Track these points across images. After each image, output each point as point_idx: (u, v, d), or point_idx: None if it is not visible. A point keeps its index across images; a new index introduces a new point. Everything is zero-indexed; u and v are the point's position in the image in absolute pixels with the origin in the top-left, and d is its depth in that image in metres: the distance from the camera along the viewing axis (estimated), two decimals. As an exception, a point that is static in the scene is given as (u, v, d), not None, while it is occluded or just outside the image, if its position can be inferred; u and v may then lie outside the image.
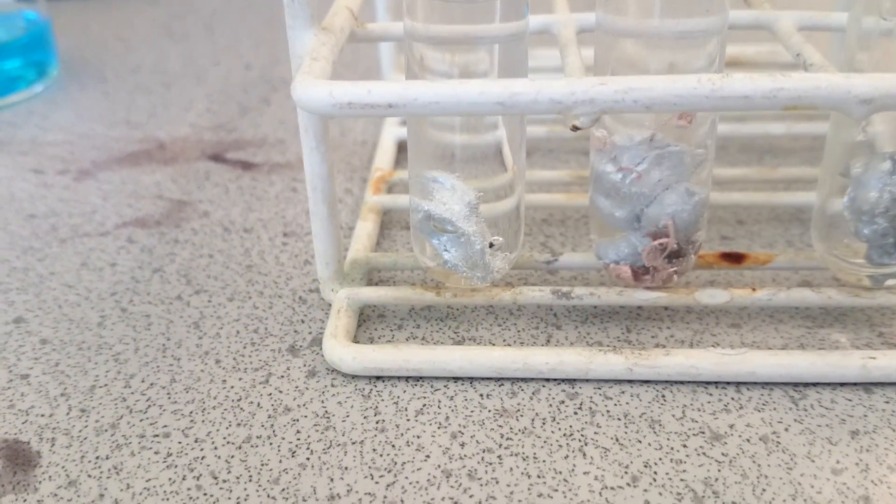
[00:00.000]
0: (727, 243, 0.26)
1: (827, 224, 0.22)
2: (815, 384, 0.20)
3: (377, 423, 0.20)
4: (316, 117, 0.20)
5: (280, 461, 0.19)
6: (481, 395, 0.20)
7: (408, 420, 0.20)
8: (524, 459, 0.18)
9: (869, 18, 0.20)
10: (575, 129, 0.18)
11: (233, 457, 0.19)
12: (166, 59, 0.42)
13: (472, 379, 0.21)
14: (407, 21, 0.20)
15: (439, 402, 0.20)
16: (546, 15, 0.23)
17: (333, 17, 0.22)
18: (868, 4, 0.20)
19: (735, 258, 0.23)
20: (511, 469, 0.18)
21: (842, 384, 0.20)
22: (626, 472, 0.18)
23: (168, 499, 0.18)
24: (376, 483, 0.18)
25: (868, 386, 0.20)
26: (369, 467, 0.18)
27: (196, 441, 0.19)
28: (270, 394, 0.20)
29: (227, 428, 0.20)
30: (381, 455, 0.19)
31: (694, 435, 0.19)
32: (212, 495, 0.18)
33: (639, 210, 0.21)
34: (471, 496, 0.18)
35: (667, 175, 0.21)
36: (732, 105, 0.17)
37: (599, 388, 0.20)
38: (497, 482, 0.18)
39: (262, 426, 0.20)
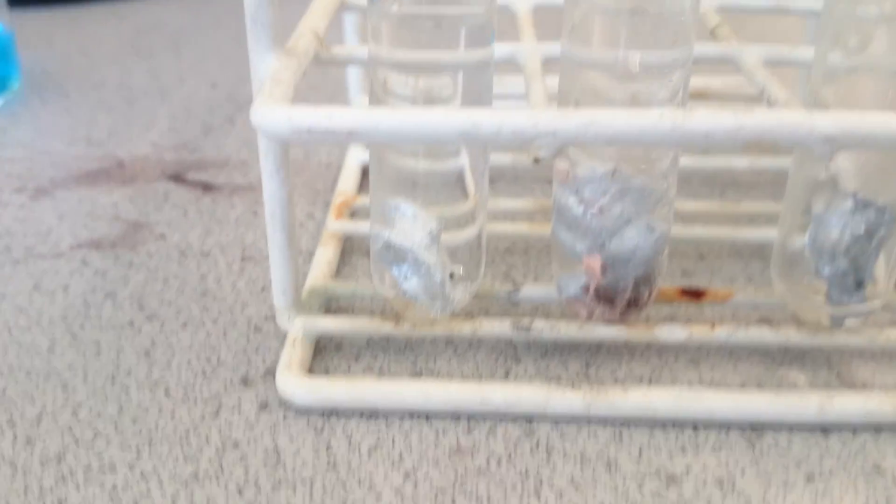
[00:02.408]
0: (688, 277, 0.26)
1: (788, 261, 0.22)
2: (772, 425, 0.20)
3: (328, 460, 0.19)
4: (276, 141, 0.20)
5: (227, 499, 0.18)
6: (437, 432, 0.20)
7: (360, 457, 0.19)
8: (478, 501, 0.18)
9: (835, 54, 0.20)
10: (537, 160, 0.18)
11: (178, 493, 0.18)
12: (131, 75, 0.42)
13: (428, 414, 0.20)
14: (371, 45, 0.20)
15: (394, 438, 0.20)
16: (513, 43, 0.23)
17: (298, 39, 0.21)
18: (835, 40, 0.20)
19: (695, 294, 0.23)
20: (465, 508, 0.18)
21: (799, 425, 0.20)
22: (581, 513, 0.18)
23: (108, 536, 0.17)
24: (326, 522, 0.17)
25: (825, 428, 0.20)
26: (319, 505, 0.18)
27: (142, 475, 0.19)
28: (220, 427, 0.20)
29: (173, 463, 0.19)
30: (330, 495, 0.18)
31: (650, 476, 0.19)
32: (154, 533, 0.17)
33: (600, 244, 0.21)
34: (423, 537, 0.17)
35: (629, 209, 0.21)
36: (694, 141, 0.17)
37: (557, 426, 0.20)
38: (450, 522, 0.17)
39: (210, 461, 0.19)
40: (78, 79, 0.41)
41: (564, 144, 0.18)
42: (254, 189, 0.31)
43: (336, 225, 0.27)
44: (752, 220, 0.28)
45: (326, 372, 0.22)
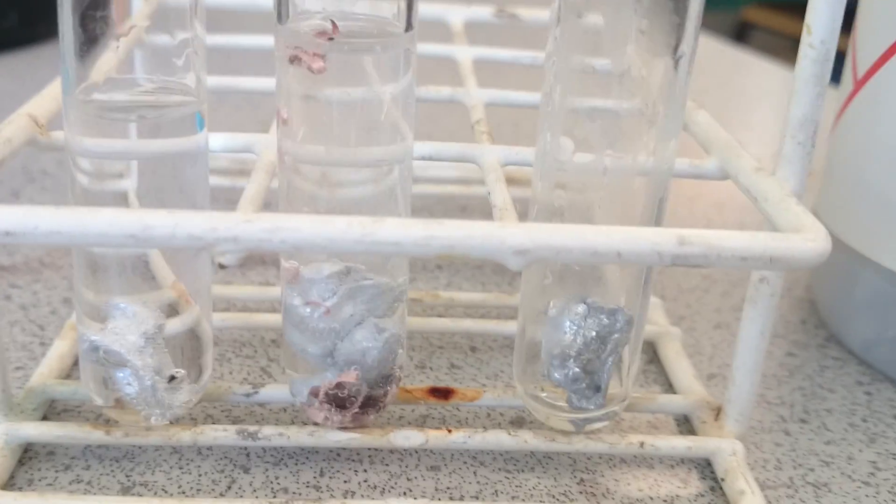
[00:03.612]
0: (454, 371, 0.25)
1: (526, 364, 0.21)
2: (495, 540, 0.19)
3: (-14, 592, 0.17)
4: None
5: None
6: (125, 555, 0.18)
7: (24, 588, 0.17)
8: None
9: (548, 156, 0.19)
10: (222, 266, 0.17)
11: None
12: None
13: (124, 534, 0.19)
14: (66, 129, 0.19)
15: (73, 564, 0.18)
16: (252, 134, 0.22)
17: (5, 125, 0.20)
18: (549, 141, 0.19)
19: (443, 394, 0.22)
20: None
21: (520, 541, 0.19)
22: None
23: None
24: None
25: (546, 543, 0.19)
26: None
27: None
28: None
29: None
30: None
31: None
32: None
33: (331, 346, 0.20)
34: None
35: (361, 310, 0.20)
36: (384, 250, 0.17)
37: (263, 545, 0.19)
38: None
39: None
40: None
41: (248, 251, 0.17)
42: (13, 270, 0.29)
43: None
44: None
45: (30, 483, 0.20)
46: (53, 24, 0.54)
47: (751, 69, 0.59)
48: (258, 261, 0.30)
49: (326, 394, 0.20)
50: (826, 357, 0.27)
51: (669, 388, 0.25)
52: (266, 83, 0.26)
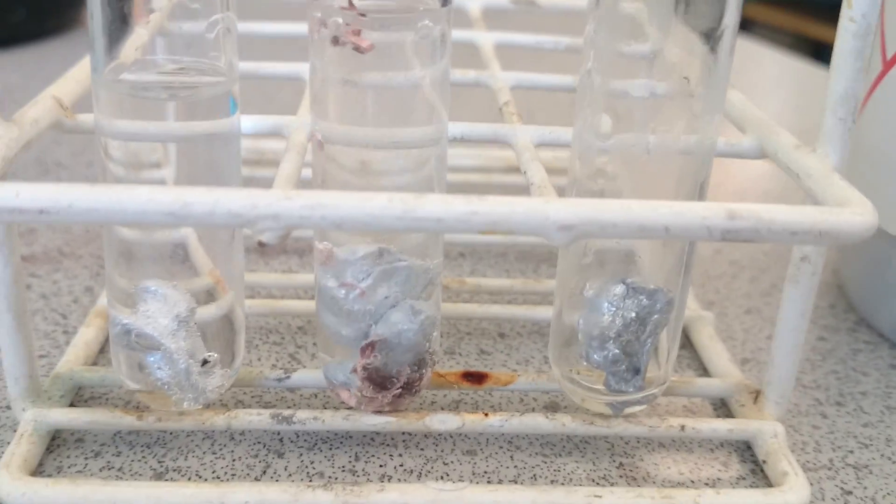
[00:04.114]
0: (484, 358, 0.25)
1: (562, 346, 0.21)
2: (536, 524, 0.19)
3: (23, 579, 0.17)
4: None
5: None
6: (162, 541, 0.18)
7: (62, 575, 0.17)
8: None
9: (588, 136, 0.19)
10: (261, 244, 0.17)
11: None
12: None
13: (159, 520, 0.18)
14: (95, 111, 0.18)
15: (110, 550, 0.18)
16: (282, 116, 0.22)
17: (31, 107, 0.20)
18: (588, 121, 0.19)
19: (477, 378, 0.22)
20: None
21: (562, 524, 0.19)
22: None
23: None
24: None
25: (589, 527, 0.19)
26: None
27: None
28: None
29: None
30: None
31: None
32: None
33: (366, 328, 0.20)
34: None
35: (395, 292, 0.20)
36: (426, 227, 0.16)
37: (302, 531, 0.18)
38: None
39: None
40: None
41: (289, 228, 0.16)
42: (32, 259, 0.28)
43: (106, 301, 0.25)
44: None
45: (59, 470, 0.20)
46: (62, 18, 0.53)
47: (754, 57, 0.59)
48: (280, 249, 0.30)
49: (365, 367, 0.20)
50: (857, 341, 0.27)
51: (703, 372, 0.25)
52: (282, 69, 0.26)
